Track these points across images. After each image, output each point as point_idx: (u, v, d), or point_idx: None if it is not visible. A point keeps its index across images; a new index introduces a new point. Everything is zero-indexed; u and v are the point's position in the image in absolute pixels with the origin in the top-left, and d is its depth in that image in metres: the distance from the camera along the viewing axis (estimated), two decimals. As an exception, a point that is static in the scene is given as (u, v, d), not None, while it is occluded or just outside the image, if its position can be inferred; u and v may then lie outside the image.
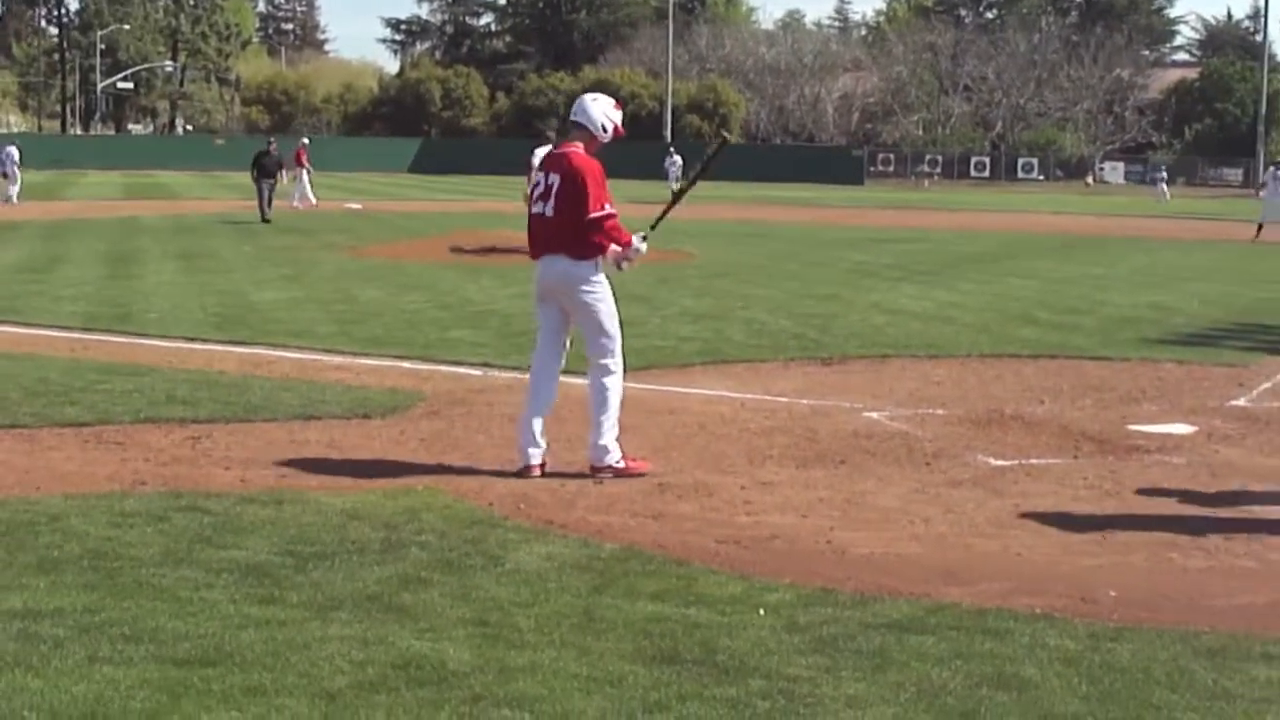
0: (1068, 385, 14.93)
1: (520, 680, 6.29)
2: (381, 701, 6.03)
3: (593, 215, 10.48)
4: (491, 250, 32.69)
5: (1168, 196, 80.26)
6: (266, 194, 42.33)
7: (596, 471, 10.56)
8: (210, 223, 41.39)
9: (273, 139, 51.93)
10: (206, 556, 8.14)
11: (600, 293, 10.65)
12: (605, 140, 10.82)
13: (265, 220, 41.55)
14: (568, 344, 10.95)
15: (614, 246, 10.69)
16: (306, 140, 57.88)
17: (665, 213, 11.32)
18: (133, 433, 11.75)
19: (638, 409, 12.76)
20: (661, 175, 64.04)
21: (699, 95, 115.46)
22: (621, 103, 11.10)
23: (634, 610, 7.35)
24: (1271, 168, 50.36)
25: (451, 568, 8.06)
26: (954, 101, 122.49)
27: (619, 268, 10.89)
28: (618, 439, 10.66)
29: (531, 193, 10.98)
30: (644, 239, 10.84)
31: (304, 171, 52.09)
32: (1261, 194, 49.85)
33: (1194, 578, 8.34)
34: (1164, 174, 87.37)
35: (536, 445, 10.64)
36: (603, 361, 10.72)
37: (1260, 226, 45.37)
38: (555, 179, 10.63)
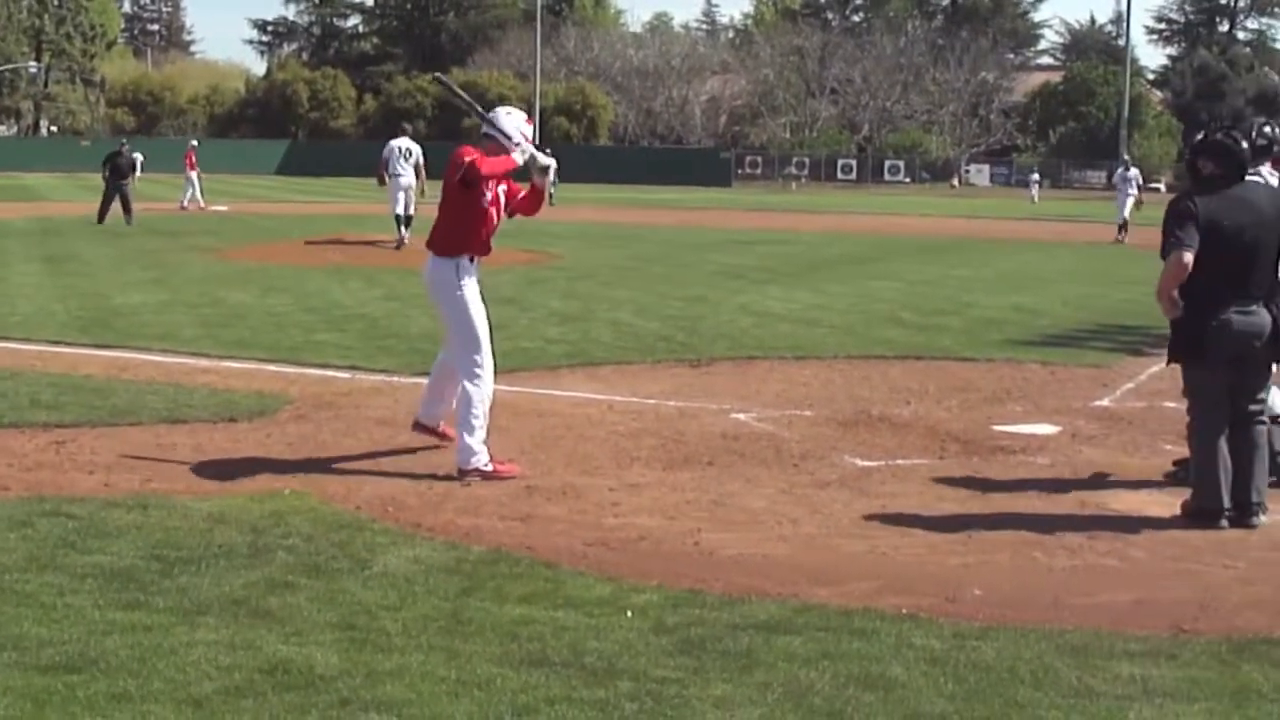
0: (933, 386, 15.07)
1: (388, 684, 6.28)
2: (248, 706, 6.00)
3: (457, 178, 10.59)
4: (338, 241, 33.02)
5: (1036, 199, 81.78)
6: (117, 196, 41.73)
7: (464, 474, 10.55)
8: (76, 225, 40.79)
9: (125, 140, 51.78)
10: (71, 562, 8.06)
11: (464, 295, 10.70)
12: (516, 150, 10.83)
13: (101, 221, 41.00)
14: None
15: (528, 167, 10.81)
16: (195, 143, 57.47)
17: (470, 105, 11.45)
18: (-6, 437, 11.59)
19: (505, 411, 12.75)
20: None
21: (567, 97, 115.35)
22: (531, 119, 11.18)
23: (502, 613, 7.36)
24: (1120, 168, 50.94)
25: (318, 571, 8.02)
26: (821, 104, 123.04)
27: (545, 174, 11.03)
28: (485, 441, 10.66)
29: None
30: (519, 149, 10.83)
31: (195, 174, 51.94)
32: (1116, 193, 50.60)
33: (1058, 576, 8.46)
34: (1036, 176, 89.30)
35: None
36: (466, 365, 10.74)
37: (1120, 226, 45.85)
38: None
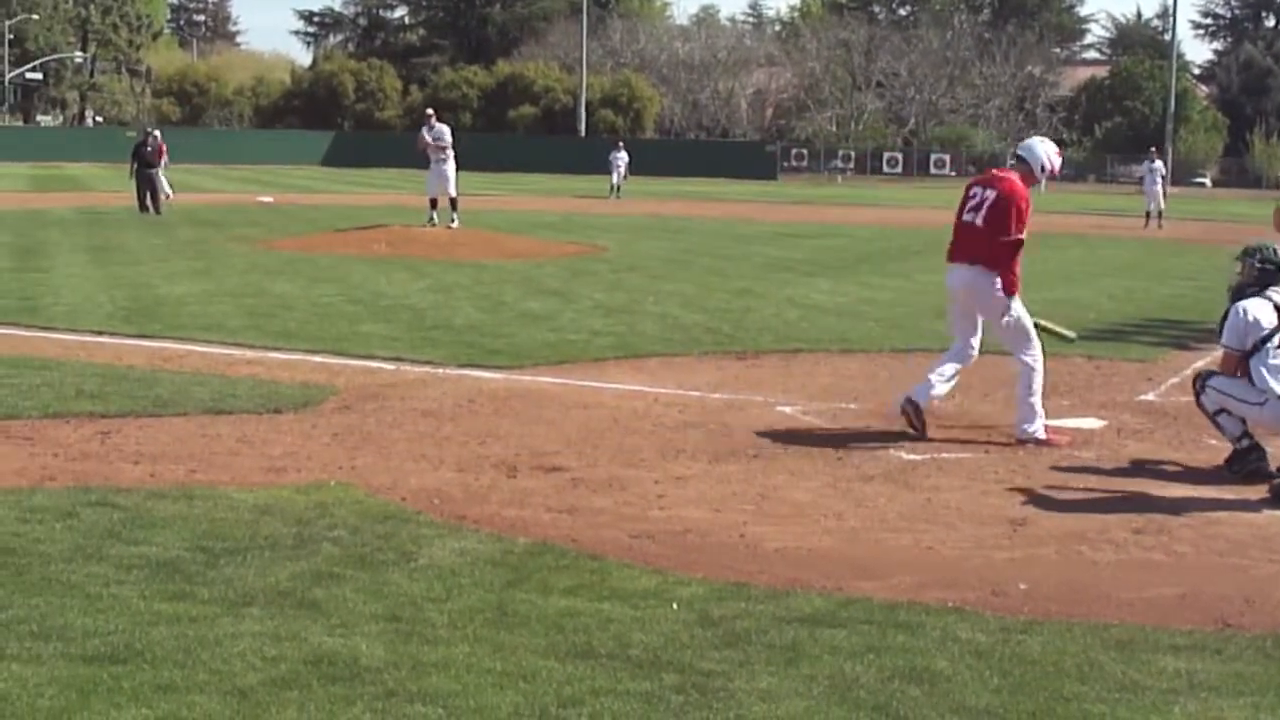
0: (979, 380, 14.97)
1: (433, 676, 6.28)
2: (293, 698, 6.00)
3: (1013, 237, 12.14)
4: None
5: None
6: (148, 186, 42.08)
7: (1021, 442, 11.90)
8: (120, 215, 40.94)
9: (149, 129, 51.83)
10: (116, 552, 8.08)
11: (1007, 301, 12.16)
12: (1041, 179, 12.69)
13: (144, 211, 41.30)
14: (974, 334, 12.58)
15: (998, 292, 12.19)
16: (158, 133, 57.50)
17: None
18: (41, 427, 11.61)
19: (550, 403, 12.79)
20: (606, 169, 65.00)
21: (613, 90, 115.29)
22: (1062, 149, 12.13)
23: (547, 605, 7.35)
24: (1146, 160, 50.93)
25: (364, 563, 8.03)
26: (867, 97, 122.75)
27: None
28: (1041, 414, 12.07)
29: (963, 205, 12.41)
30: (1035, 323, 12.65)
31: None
32: (1144, 185, 50.98)
33: (1103, 571, 8.42)
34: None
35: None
36: (1023, 357, 12.17)
37: (1148, 215, 46.98)
38: (991, 195, 12.21)
